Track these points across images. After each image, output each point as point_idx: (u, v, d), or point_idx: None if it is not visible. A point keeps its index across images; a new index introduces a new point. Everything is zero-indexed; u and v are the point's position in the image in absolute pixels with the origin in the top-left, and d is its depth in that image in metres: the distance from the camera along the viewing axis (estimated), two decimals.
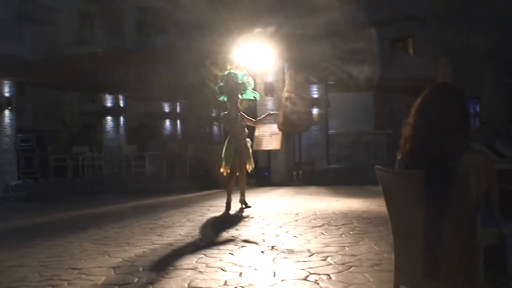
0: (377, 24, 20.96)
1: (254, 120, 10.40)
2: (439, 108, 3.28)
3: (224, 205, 9.99)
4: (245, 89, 10.22)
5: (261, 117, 10.88)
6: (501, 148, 7.66)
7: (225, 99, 10.23)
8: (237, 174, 10.12)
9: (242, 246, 6.33)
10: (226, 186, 10.18)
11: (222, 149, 10.02)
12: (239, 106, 10.32)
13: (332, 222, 8.06)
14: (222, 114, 10.22)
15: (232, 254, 5.85)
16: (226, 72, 10.39)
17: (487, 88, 14.64)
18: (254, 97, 11.03)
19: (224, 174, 10.04)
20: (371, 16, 20.77)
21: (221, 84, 10.24)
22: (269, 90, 15.77)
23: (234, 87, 10.10)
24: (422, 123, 3.31)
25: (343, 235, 6.85)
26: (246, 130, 10.11)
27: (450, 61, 13.66)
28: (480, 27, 18.79)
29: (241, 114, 10.18)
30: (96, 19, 29.48)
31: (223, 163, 9.90)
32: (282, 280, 4.69)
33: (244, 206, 10.07)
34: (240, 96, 10.22)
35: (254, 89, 10.67)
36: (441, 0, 20.93)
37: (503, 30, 18.15)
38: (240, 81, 10.10)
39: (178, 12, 22.02)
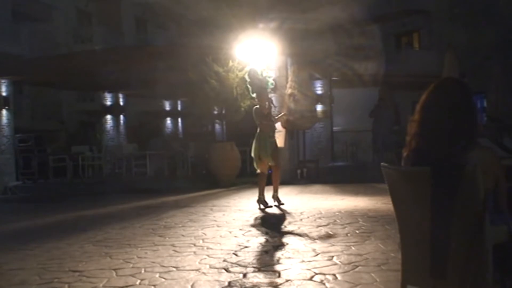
0: (381, 18, 20.89)
1: (278, 121, 10.33)
2: (445, 104, 3.21)
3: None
4: (267, 83, 10.29)
5: (279, 115, 10.82)
6: (509, 144, 7.56)
7: (254, 95, 10.29)
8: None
9: (246, 246, 6.25)
10: (259, 183, 10.10)
11: (253, 146, 9.99)
12: (272, 100, 10.54)
13: (338, 221, 7.96)
14: (254, 108, 10.12)
15: (236, 255, 5.77)
16: (248, 68, 10.57)
17: (494, 82, 14.50)
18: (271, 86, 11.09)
19: (259, 171, 10.03)
20: (375, 10, 20.69)
21: (249, 80, 10.32)
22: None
23: (259, 83, 10.18)
24: (428, 119, 3.23)
25: (349, 234, 6.77)
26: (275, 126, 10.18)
27: (456, 55, 13.49)
28: (486, 20, 18.69)
29: (270, 112, 10.25)
30: (94, 16, 29.38)
31: (258, 160, 9.88)
32: (287, 281, 4.64)
33: (277, 203, 10.00)
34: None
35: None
36: None
37: (510, 23, 18.03)
38: (261, 77, 10.18)
39: (178, 8, 21.89)
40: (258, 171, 9.97)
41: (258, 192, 10.02)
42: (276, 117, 10.41)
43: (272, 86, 10.84)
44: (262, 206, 9.83)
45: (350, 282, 4.49)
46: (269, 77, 10.44)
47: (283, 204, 9.97)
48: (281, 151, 14.92)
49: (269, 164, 9.96)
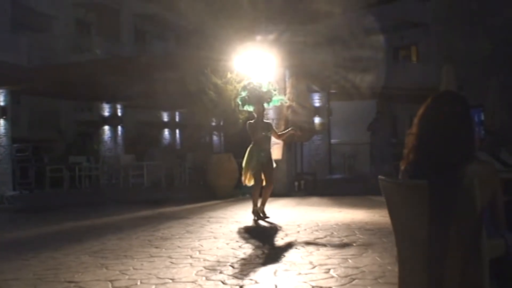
0: (379, 31, 20.95)
1: (278, 133, 10.33)
2: (442, 117, 3.22)
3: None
4: (271, 97, 10.26)
5: (285, 131, 10.84)
6: (507, 158, 7.54)
7: (250, 108, 10.31)
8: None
9: (242, 258, 6.24)
10: (252, 195, 10.11)
11: (244, 158, 10.05)
12: (265, 115, 10.67)
13: (335, 233, 7.95)
14: (248, 122, 10.19)
15: (232, 267, 5.76)
16: (247, 82, 10.53)
17: (491, 96, 14.51)
18: (282, 102, 11.38)
19: (244, 184, 10.17)
20: (373, 23, 20.76)
21: (243, 94, 10.30)
22: None
23: (258, 96, 10.14)
24: (425, 133, 3.24)
25: (346, 247, 6.76)
26: (272, 141, 10.15)
27: (454, 69, 13.51)
28: (483, 33, 18.72)
29: (268, 124, 10.27)
30: (93, 27, 29.43)
31: (244, 172, 9.95)
32: None
33: (262, 216, 9.94)
34: (266, 105, 10.36)
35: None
36: (444, 6, 20.88)
37: (507, 36, 18.07)
38: (265, 90, 10.11)
39: (177, 19, 21.97)
40: (247, 183, 9.98)
41: (252, 204, 9.99)
42: (280, 132, 10.39)
43: (279, 103, 10.95)
44: (257, 217, 9.81)
45: None
46: (275, 90, 10.44)
47: (268, 217, 9.88)
48: (278, 163, 14.94)
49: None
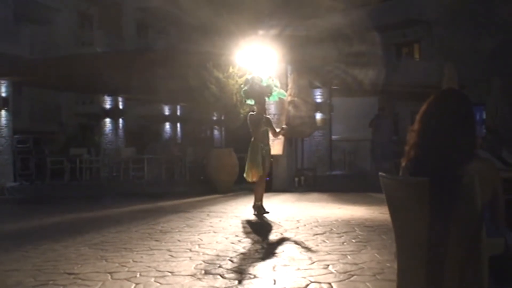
0: (382, 28, 20.93)
1: (276, 131, 10.33)
2: (444, 115, 3.20)
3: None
4: (271, 91, 10.29)
5: (279, 130, 10.86)
6: (508, 157, 7.54)
7: (252, 102, 10.33)
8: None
9: (242, 253, 6.26)
10: (256, 191, 10.06)
11: (247, 155, 9.98)
12: (266, 109, 10.66)
13: (334, 229, 7.95)
14: (248, 115, 10.18)
15: (231, 261, 5.77)
16: (250, 76, 10.54)
17: (493, 94, 14.52)
18: (281, 97, 11.42)
19: (250, 180, 10.00)
20: (376, 19, 20.73)
21: (246, 88, 10.31)
22: None
23: (259, 90, 10.15)
24: (427, 130, 3.22)
25: (345, 243, 6.78)
26: (271, 136, 10.15)
27: (456, 67, 13.50)
28: (487, 32, 18.73)
29: (267, 119, 10.22)
30: (95, 20, 29.42)
31: (250, 169, 9.84)
32: None
33: (262, 211, 9.95)
34: (267, 99, 10.41)
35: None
36: (447, 4, 20.86)
37: (510, 35, 18.07)
38: (265, 84, 10.09)
39: (179, 13, 21.91)
40: (253, 179, 9.94)
41: (255, 198, 9.99)
42: (278, 130, 10.42)
43: (277, 98, 10.97)
44: (258, 212, 9.80)
45: None
46: (276, 85, 10.46)
47: (267, 213, 9.87)
48: (279, 158, 14.96)
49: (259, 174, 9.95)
